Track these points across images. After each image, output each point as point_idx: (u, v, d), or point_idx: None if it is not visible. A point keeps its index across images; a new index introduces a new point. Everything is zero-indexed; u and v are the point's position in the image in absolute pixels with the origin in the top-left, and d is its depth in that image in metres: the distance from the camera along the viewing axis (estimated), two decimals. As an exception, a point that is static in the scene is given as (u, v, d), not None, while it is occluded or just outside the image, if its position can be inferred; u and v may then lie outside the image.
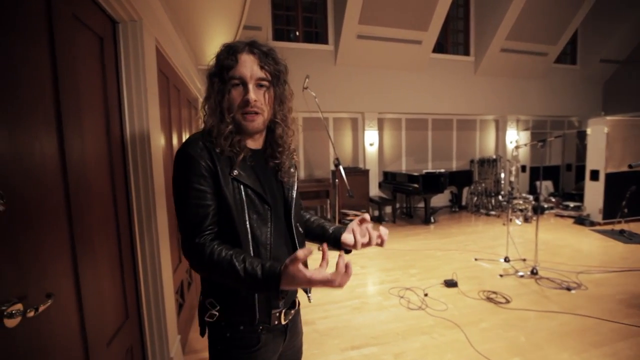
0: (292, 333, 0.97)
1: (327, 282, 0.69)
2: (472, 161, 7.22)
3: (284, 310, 0.90)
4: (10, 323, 0.75)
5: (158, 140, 1.74)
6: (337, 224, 4.60)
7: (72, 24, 1.10)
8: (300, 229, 0.98)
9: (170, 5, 1.98)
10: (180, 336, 1.93)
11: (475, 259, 3.76)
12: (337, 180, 4.77)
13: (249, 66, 0.81)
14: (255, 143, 0.91)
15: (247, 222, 0.83)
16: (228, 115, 0.82)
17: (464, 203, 7.03)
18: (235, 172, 0.83)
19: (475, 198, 6.63)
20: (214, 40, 2.87)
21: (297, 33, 5.96)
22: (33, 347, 0.85)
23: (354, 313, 2.61)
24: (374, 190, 6.48)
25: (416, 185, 5.56)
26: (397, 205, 6.54)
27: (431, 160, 7.06)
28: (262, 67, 0.82)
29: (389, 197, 6.42)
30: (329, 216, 5.77)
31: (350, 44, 5.61)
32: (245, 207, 0.83)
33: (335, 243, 0.97)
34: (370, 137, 6.40)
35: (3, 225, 0.76)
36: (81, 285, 1.08)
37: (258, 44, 0.84)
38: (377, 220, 5.97)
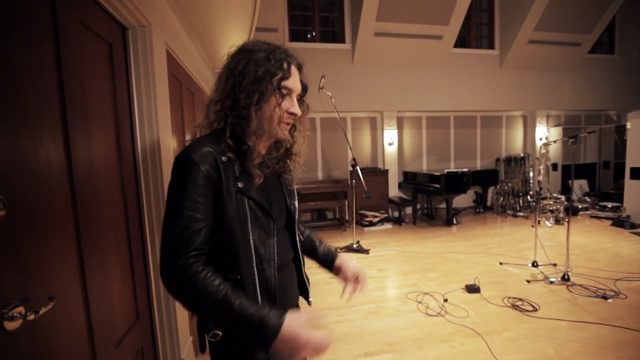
0: None
1: (322, 348, 0.69)
2: (497, 160, 6.90)
3: None
4: (11, 326, 0.76)
5: (169, 144, 1.76)
6: (354, 228, 4.51)
7: (79, 31, 1.13)
8: (301, 236, 0.98)
9: (181, 9, 2.00)
10: (192, 337, 1.95)
11: (500, 263, 3.57)
12: (354, 181, 4.70)
13: (297, 79, 0.83)
14: (264, 147, 0.87)
15: (251, 238, 0.78)
16: (273, 124, 0.81)
17: (489, 204, 6.73)
18: (241, 184, 0.77)
19: (502, 198, 6.32)
20: (228, 43, 2.90)
21: (314, 33, 5.94)
22: (37, 348, 0.86)
23: (369, 318, 2.54)
24: (394, 191, 6.34)
25: (437, 185, 5.38)
26: (418, 206, 6.36)
27: (453, 160, 6.81)
28: (301, 82, 0.85)
29: (409, 197, 6.26)
30: (347, 217, 5.70)
31: (368, 42, 5.51)
32: (249, 222, 0.78)
33: (324, 264, 1.05)
34: (389, 137, 6.27)
35: (5, 230, 0.78)
36: (88, 287, 1.10)
37: (295, 56, 0.84)
38: (397, 221, 5.83)
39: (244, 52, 0.80)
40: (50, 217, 0.96)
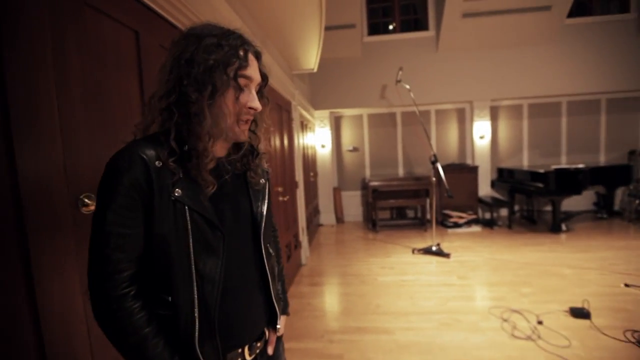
0: None
1: None
2: (632, 152, 5.46)
3: (247, 346, 0.77)
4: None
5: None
6: (434, 229, 4.18)
7: (159, 53, 1.32)
8: (270, 250, 0.85)
9: (256, 21, 2.16)
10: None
11: (626, 285, 2.82)
12: (434, 178, 4.36)
13: (255, 68, 0.72)
14: (222, 149, 0.77)
15: (192, 255, 0.68)
16: (229, 121, 0.70)
17: (617, 208, 5.40)
18: (179, 192, 0.66)
19: (637, 201, 4.99)
20: (303, 43, 3.01)
21: (394, 24, 5.68)
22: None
23: (441, 329, 2.33)
24: (485, 190, 5.65)
25: (540, 185, 4.56)
26: (516, 208, 5.53)
27: (566, 154, 5.68)
28: (260, 71, 0.74)
29: (505, 197, 5.49)
30: (428, 217, 5.34)
31: (455, 26, 4.99)
32: (190, 237, 0.67)
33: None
34: (481, 129, 5.60)
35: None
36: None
37: (252, 43, 0.74)
38: (488, 224, 5.18)
39: (191, 38, 0.68)
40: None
